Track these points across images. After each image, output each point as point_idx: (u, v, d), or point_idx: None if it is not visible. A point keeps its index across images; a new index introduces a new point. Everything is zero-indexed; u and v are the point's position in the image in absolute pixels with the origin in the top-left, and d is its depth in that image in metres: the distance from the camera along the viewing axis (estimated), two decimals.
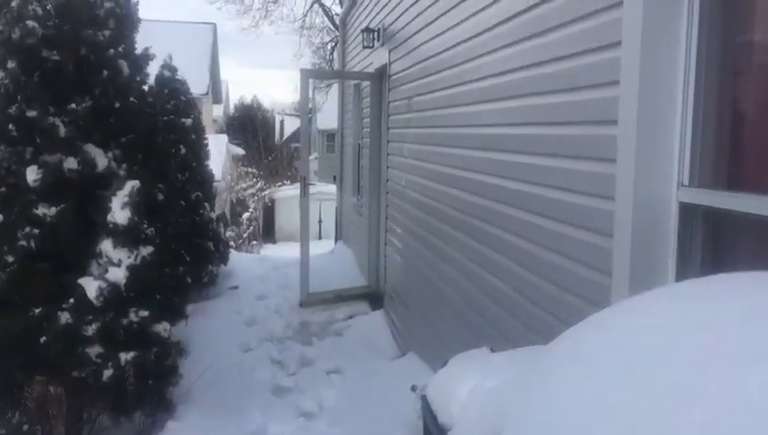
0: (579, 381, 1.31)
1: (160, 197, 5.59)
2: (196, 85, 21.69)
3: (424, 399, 2.89)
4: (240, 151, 30.00)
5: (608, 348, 1.34)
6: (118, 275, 4.17)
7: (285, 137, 42.45)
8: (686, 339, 1.22)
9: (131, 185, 4.27)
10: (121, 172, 4.62)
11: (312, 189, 8.38)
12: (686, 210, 2.45)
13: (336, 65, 15.74)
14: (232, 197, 23.63)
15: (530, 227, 3.49)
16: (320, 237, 23.77)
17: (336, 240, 13.25)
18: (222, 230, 10.14)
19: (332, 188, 14.67)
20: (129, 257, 4.23)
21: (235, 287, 9.31)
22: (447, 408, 2.62)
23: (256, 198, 26.65)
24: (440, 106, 5.38)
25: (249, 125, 38.31)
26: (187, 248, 7.63)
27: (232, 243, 15.09)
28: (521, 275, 3.65)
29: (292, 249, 12.24)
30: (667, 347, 1.21)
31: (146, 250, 4.33)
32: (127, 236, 4.22)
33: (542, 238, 3.35)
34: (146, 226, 4.41)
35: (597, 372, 1.29)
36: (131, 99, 4.73)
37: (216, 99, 30.77)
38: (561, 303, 3.13)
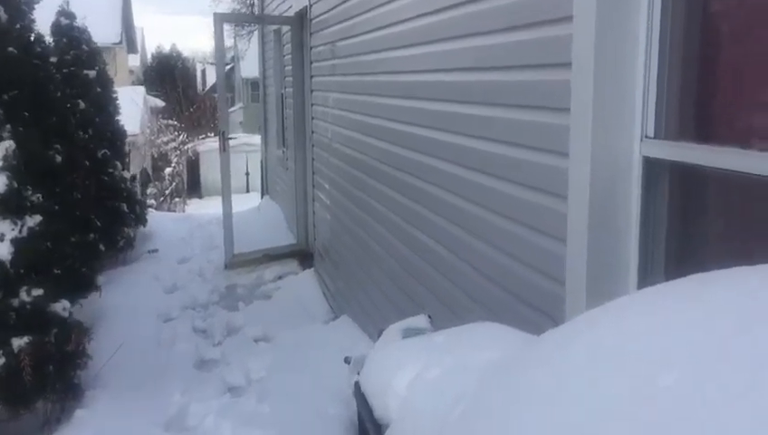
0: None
1: (58, 158, 5.00)
2: (107, 34, 20.43)
3: (357, 387, 2.55)
4: (160, 103, 28.67)
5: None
6: (1, 251, 3.63)
7: (208, 87, 40.95)
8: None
9: (5, 147, 3.69)
10: (5, 134, 4.02)
11: (236, 141, 7.87)
12: (651, 165, 2.13)
13: (257, 10, 14.94)
14: (153, 151, 22.59)
15: (470, 186, 3.14)
16: (247, 190, 23.13)
17: (262, 195, 12.73)
18: (139, 189, 9.50)
19: (259, 138, 14.05)
20: (12, 230, 3.68)
21: (155, 251, 8.76)
22: (384, 401, 2.28)
23: (179, 151, 25.61)
24: (367, 51, 4.94)
25: (168, 75, 36.65)
26: (97, 212, 7.03)
27: (153, 201, 14.38)
28: (459, 237, 3.31)
29: (218, 205, 11.69)
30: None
31: (33, 220, 3.79)
32: (7, 206, 3.66)
33: (483, 198, 3.01)
34: (31, 192, 3.85)
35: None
36: (10, 49, 4.10)
37: (131, 48, 29.19)
38: (505, 269, 2.81)
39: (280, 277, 7.58)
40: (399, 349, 2.50)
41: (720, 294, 1.00)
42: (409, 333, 2.87)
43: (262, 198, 12.60)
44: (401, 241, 4.27)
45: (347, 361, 3.51)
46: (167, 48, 42.82)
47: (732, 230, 2.05)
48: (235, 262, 7.81)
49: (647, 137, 2.12)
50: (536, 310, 2.57)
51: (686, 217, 2.15)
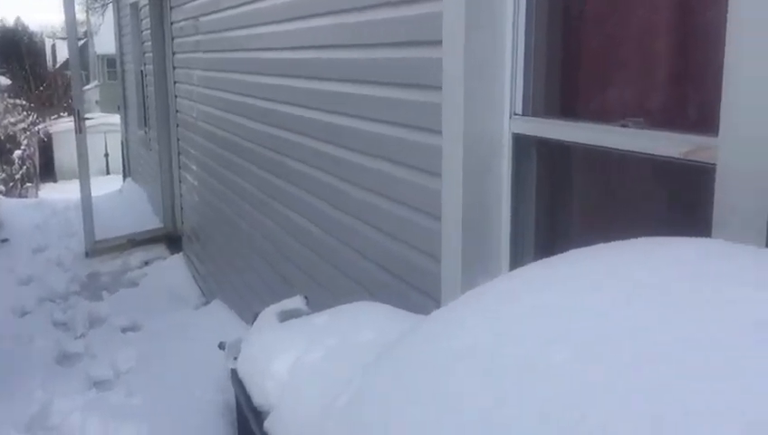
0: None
1: None
2: None
3: (234, 374, 2.47)
4: (5, 81, 26.55)
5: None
6: None
7: (59, 63, 38.31)
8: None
9: None
10: None
11: (94, 121, 7.42)
12: (520, 142, 2.19)
13: None
14: None
15: (344, 164, 3.11)
16: (107, 172, 21.99)
17: (124, 177, 12.13)
18: None
19: (118, 118, 13.34)
20: None
21: (5, 240, 8.13)
22: (263, 387, 2.22)
23: (29, 133, 23.88)
24: (232, 27, 4.77)
25: (14, 51, 34.00)
26: None
27: (1, 187, 13.34)
28: (334, 217, 3.28)
29: (75, 189, 11.02)
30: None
31: None
32: None
33: (358, 177, 2.99)
34: None
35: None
36: None
37: None
38: (382, 248, 2.81)
39: (147, 263, 7.27)
40: (277, 332, 2.45)
41: (591, 271, 1.03)
42: (286, 315, 2.81)
43: (124, 180, 12.00)
44: (274, 222, 4.19)
45: (221, 346, 3.39)
46: (11, 22, 39.66)
47: (597, 203, 2.15)
48: (97, 249, 7.39)
49: (515, 114, 2.18)
50: (414, 288, 2.59)
51: (555, 192, 2.23)
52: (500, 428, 0.80)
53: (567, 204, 2.23)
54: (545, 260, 1.11)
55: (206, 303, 5.92)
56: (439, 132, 2.30)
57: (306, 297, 3.10)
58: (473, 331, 0.98)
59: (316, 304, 2.90)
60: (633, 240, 1.08)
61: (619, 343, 0.80)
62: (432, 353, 1.02)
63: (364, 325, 2.11)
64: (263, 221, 4.42)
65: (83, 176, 7.37)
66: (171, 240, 7.61)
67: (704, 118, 1.52)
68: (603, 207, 2.09)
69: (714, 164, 1.39)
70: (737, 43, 1.32)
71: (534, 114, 2.15)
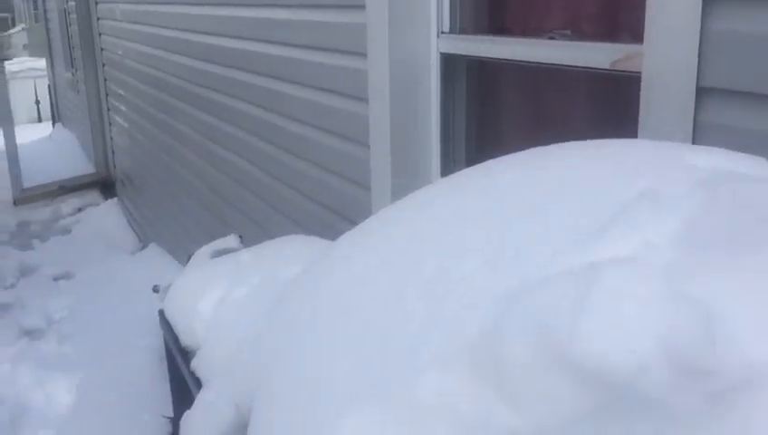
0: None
1: None
2: None
3: (162, 315, 2.37)
4: None
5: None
6: None
7: None
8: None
9: None
10: None
11: (21, 66, 7.07)
12: (448, 61, 2.10)
13: None
14: None
15: (273, 96, 2.98)
16: (39, 120, 21.07)
17: (54, 123, 11.63)
18: None
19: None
20: None
21: None
22: (190, 326, 2.13)
23: None
24: None
25: None
26: None
27: None
28: (265, 151, 3.16)
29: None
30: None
31: None
32: None
33: (288, 108, 2.86)
34: None
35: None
36: None
37: None
38: (314, 180, 2.72)
39: (80, 210, 7.01)
40: (204, 271, 2.35)
41: (506, 180, 0.96)
42: (219, 254, 2.72)
43: (53, 126, 11.50)
44: (207, 161, 4.04)
45: (155, 289, 3.28)
46: None
47: (528, 117, 2.09)
48: (26, 197, 7.09)
49: (443, 32, 2.08)
50: (345, 219, 2.51)
51: (486, 110, 2.16)
52: (400, 349, 0.74)
53: (499, 121, 2.16)
54: (463, 171, 1.04)
55: (143, 248, 5.75)
56: (365, 55, 2.18)
57: (241, 236, 3.00)
58: (376, 251, 0.91)
59: (252, 242, 2.80)
60: (554, 145, 1.01)
61: (527, 252, 0.73)
62: (337, 276, 0.95)
63: (290, 259, 2.04)
64: (196, 161, 4.26)
65: (6, 121, 7.01)
66: (105, 185, 7.35)
67: (630, 28, 1.46)
68: (534, 121, 2.04)
69: (639, 73, 1.33)
70: None
71: (462, 32, 2.06)
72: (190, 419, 1.42)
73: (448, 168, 2.16)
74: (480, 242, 0.79)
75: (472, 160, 2.12)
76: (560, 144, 1.00)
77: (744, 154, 0.82)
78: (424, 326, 0.74)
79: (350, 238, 1.08)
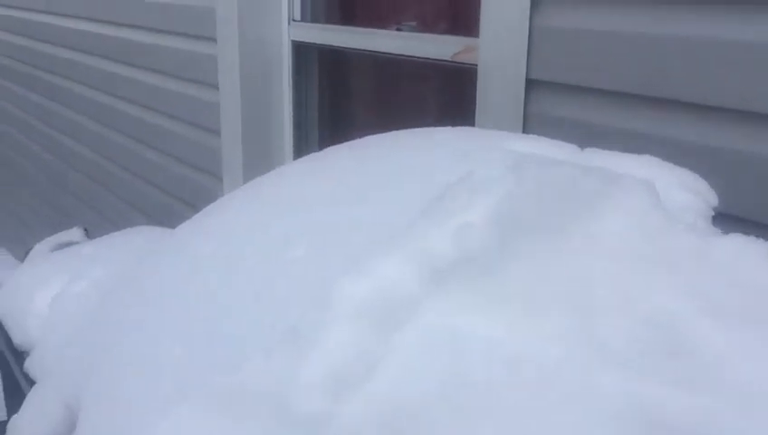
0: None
1: None
2: None
3: None
4: None
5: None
6: None
7: None
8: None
9: None
10: None
11: None
12: (299, 49, 2.08)
13: None
14: None
15: (118, 80, 2.83)
16: None
17: None
18: None
19: None
20: None
21: None
22: (24, 324, 1.98)
23: None
24: None
25: None
26: None
27: None
28: (110, 139, 3.01)
29: None
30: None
31: None
32: None
33: (134, 95, 2.74)
34: None
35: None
36: None
37: None
38: (163, 170, 2.62)
39: None
40: (41, 266, 2.20)
41: (340, 167, 0.97)
42: (60, 248, 2.56)
43: None
44: (42, 146, 3.78)
45: None
46: None
47: (376, 105, 2.12)
48: None
49: (294, 20, 2.06)
50: (197, 210, 2.44)
51: (337, 97, 2.17)
52: (227, 337, 0.73)
53: (349, 108, 2.18)
54: (301, 158, 1.03)
55: None
56: (215, 40, 2.13)
57: (86, 229, 2.84)
58: (206, 241, 0.89)
59: (98, 235, 2.66)
60: (389, 133, 1.03)
61: (355, 238, 0.74)
62: (166, 265, 0.92)
63: (136, 251, 1.95)
64: (29, 147, 3.98)
65: None
66: None
67: (471, 22, 1.51)
68: (383, 109, 2.07)
69: (476, 64, 1.38)
70: None
71: (314, 20, 2.05)
72: (18, 421, 1.32)
73: (301, 156, 2.14)
74: (307, 228, 0.79)
75: (325, 148, 2.12)
76: (395, 132, 1.01)
77: (558, 141, 0.88)
78: (249, 314, 0.73)
79: (186, 227, 1.05)
